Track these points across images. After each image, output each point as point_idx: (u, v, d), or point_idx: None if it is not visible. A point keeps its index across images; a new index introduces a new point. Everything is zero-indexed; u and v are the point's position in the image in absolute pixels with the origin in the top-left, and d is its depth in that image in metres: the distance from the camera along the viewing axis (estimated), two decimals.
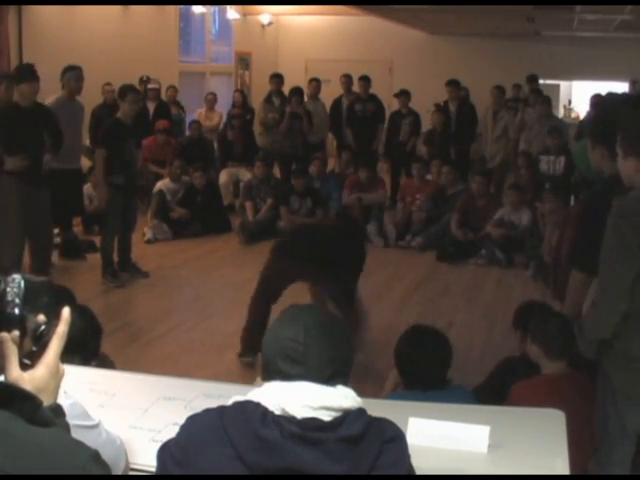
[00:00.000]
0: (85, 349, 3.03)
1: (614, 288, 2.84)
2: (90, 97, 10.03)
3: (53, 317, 1.44)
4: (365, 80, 11.40)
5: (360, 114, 11.21)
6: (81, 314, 3.17)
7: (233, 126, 11.20)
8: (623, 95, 9.81)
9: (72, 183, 7.78)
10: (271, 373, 1.76)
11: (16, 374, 1.37)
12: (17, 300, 1.38)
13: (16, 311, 1.38)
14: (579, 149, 4.64)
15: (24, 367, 1.39)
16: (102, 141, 7.21)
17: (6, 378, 1.38)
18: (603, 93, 10.41)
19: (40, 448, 1.18)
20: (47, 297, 1.44)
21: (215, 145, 11.51)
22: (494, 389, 3.67)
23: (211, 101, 12.17)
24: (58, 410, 1.41)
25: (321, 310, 1.86)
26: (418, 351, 3.22)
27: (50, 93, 7.64)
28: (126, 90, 7.25)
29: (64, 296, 3.30)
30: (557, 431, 2.40)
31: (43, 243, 6.81)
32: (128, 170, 7.19)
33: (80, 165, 8.22)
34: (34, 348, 1.41)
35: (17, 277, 1.40)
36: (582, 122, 11.31)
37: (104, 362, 3.24)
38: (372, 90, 11.53)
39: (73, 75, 7.45)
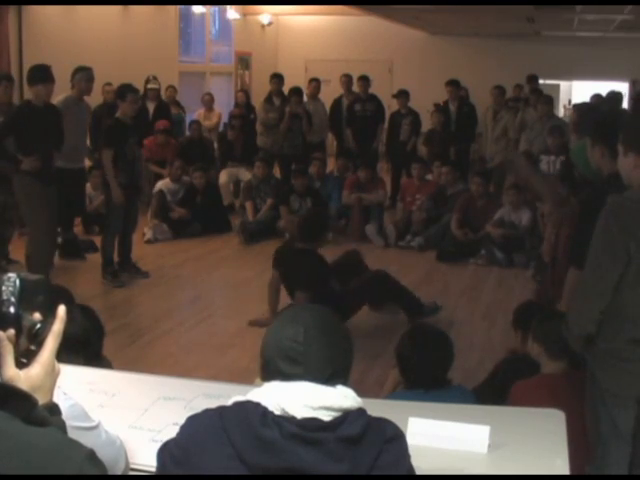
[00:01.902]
0: (88, 349, 3.03)
1: (595, 285, 2.86)
2: (90, 97, 10.02)
3: (49, 316, 1.43)
4: (364, 80, 11.39)
5: (360, 114, 11.20)
6: (84, 314, 3.18)
7: (233, 126, 11.20)
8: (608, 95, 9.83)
9: (75, 182, 7.78)
10: (271, 373, 1.76)
11: (12, 372, 1.37)
12: (12, 299, 1.38)
13: (12, 310, 1.38)
14: (577, 148, 4.64)
15: (20, 366, 1.39)
16: (106, 141, 7.22)
17: (1, 376, 1.37)
18: (603, 93, 10.44)
19: (36, 448, 1.18)
20: (43, 296, 1.44)
21: (215, 145, 11.52)
22: (494, 389, 3.67)
23: (208, 101, 12.18)
24: (54, 409, 1.41)
25: (321, 310, 1.86)
26: (419, 351, 3.22)
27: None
28: (125, 90, 7.27)
29: (62, 296, 3.30)
30: (557, 431, 2.40)
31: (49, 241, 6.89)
32: (130, 169, 7.21)
33: (84, 165, 8.24)
34: (32, 347, 1.41)
35: (12, 276, 1.40)
36: None
37: (102, 363, 3.23)
38: (372, 90, 11.52)
39: (84, 76, 7.49)
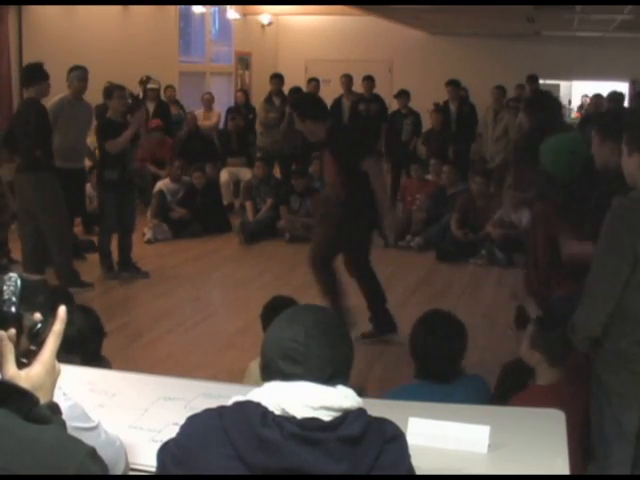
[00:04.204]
0: (86, 350, 3.02)
1: (602, 287, 2.84)
2: (90, 97, 10.01)
3: (49, 316, 1.44)
4: (369, 80, 11.42)
5: (363, 114, 11.20)
6: (85, 315, 3.17)
7: (234, 117, 11.25)
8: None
9: (75, 183, 7.76)
10: (271, 373, 1.76)
11: (13, 372, 1.38)
12: (14, 298, 1.38)
13: (13, 309, 1.38)
14: (548, 145, 4.55)
15: (20, 365, 1.39)
16: (100, 141, 7.46)
17: (2, 376, 1.38)
18: (603, 93, 10.46)
19: (37, 445, 1.18)
20: (43, 296, 1.44)
21: (216, 143, 11.55)
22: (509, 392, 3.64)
23: (208, 101, 12.18)
24: (54, 408, 1.42)
25: (321, 310, 1.86)
26: (432, 338, 3.19)
27: (51, 93, 7.64)
28: (111, 89, 7.47)
29: (62, 296, 3.30)
30: (557, 431, 2.40)
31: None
32: (122, 167, 7.23)
33: (84, 165, 8.24)
34: (31, 347, 1.41)
35: (13, 275, 1.40)
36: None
37: (101, 363, 3.23)
38: (373, 90, 11.54)
39: (76, 75, 7.52)
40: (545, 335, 3.42)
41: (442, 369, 3.13)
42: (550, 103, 5.74)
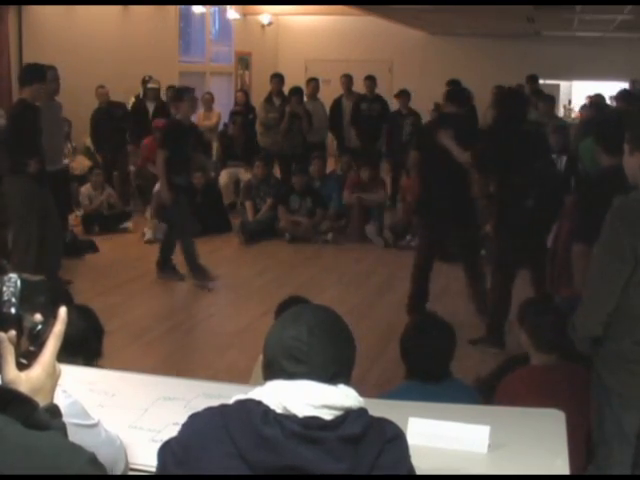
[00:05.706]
0: (87, 350, 3.02)
1: (602, 287, 2.85)
2: (90, 97, 10.04)
3: (50, 317, 1.43)
4: (371, 80, 11.42)
5: (366, 113, 11.20)
6: (83, 314, 3.17)
7: (235, 121, 11.23)
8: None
9: (59, 184, 7.69)
10: (274, 372, 1.76)
11: (13, 374, 1.37)
12: (14, 299, 1.38)
13: (12, 310, 1.37)
14: (586, 145, 4.65)
15: (21, 367, 1.39)
16: (162, 143, 7.17)
17: (2, 378, 1.37)
18: (605, 94, 10.46)
19: (37, 452, 1.17)
20: (44, 296, 1.44)
21: (216, 145, 11.53)
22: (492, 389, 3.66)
23: (208, 101, 12.14)
24: (54, 410, 1.41)
25: (324, 309, 1.86)
26: (422, 339, 3.21)
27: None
28: (182, 91, 7.38)
29: (62, 296, 3.29)
30: (557, 431, 2.40)
31: (58, 243, 6.90)
32: (188, 171, 7.16)
33: (63, 165, 8.14)
34: (31, 348, 1.41)
35: (13, 276, 1.40)
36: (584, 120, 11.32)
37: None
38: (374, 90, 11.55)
39: (48, 76, 7.40)
40: (535, 321, 3.42)
41: (432, 370, 3.14)
42: (515, 99, 6.01)
